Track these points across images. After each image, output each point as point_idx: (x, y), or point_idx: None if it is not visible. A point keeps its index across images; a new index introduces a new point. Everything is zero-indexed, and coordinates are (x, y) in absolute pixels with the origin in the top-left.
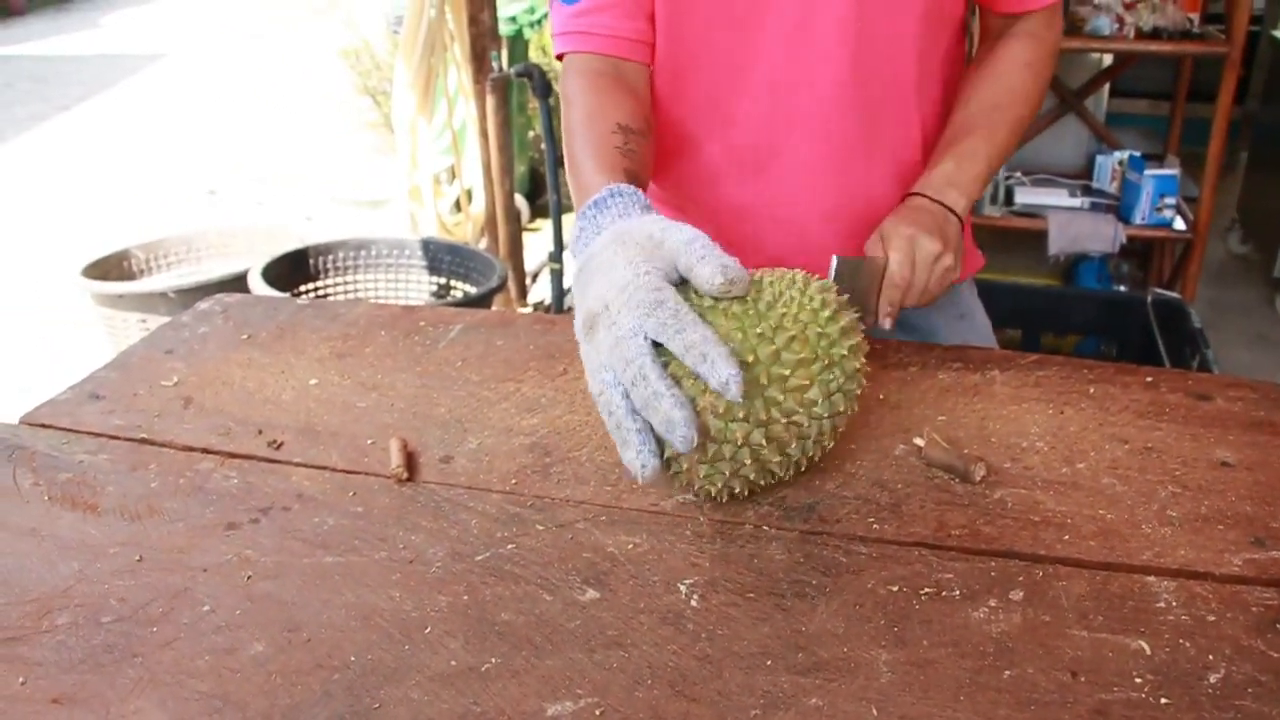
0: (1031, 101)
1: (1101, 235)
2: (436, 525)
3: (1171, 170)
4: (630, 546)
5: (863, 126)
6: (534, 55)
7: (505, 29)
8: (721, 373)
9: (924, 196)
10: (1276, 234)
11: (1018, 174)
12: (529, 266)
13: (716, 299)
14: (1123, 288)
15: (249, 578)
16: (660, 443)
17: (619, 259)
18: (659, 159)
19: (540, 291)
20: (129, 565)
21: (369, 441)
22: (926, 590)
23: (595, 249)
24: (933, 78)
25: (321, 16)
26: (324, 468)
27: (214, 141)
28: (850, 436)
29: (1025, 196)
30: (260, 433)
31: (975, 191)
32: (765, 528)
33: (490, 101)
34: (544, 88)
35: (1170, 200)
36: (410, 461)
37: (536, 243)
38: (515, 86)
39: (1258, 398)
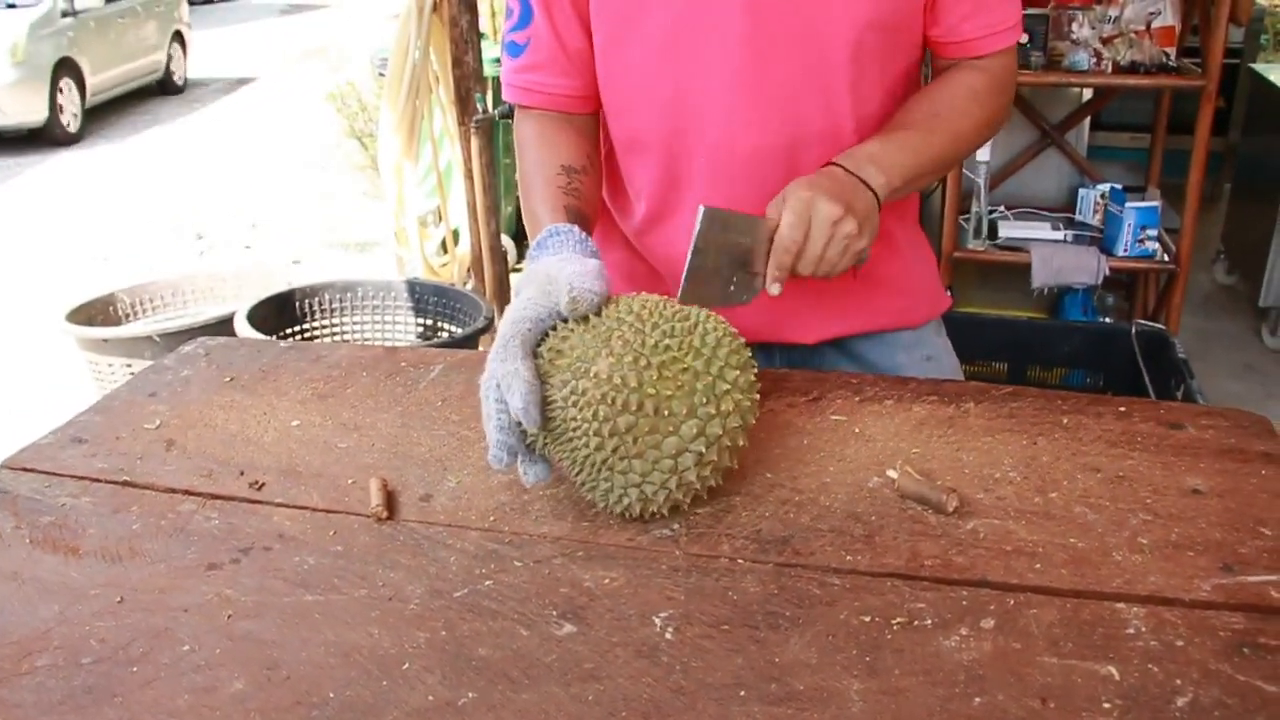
0: (975, 120)
1: (1085, 268)
2: (415, 563)
3: (1152, 202)
4: (606, 581)
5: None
6: None
7: (490, 70)
8: (515, 403)
9: (839, 166)
10: (1261, 264)
11: (1001, 208)
12: None
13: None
14: (1108, 319)
15: (229, 617)
16: (517, 443)
17: (525, 293)
18: (615, 210)
19: None
20: (110, 606)
21: (349, 481)
22: (899, 620)
23: (521, 280)
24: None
25: (308, 60)
26: (305, 508)
27: (202, 186)
28: (825, 470)
29: (1008, 230)
30: (242, 474)
31: (897, 178)
32: (740, 561)
33: (475, 143)
34: None
35: (1152, 232)
36: (390, 500)
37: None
38: (500, 127)
39: (1229, 425)
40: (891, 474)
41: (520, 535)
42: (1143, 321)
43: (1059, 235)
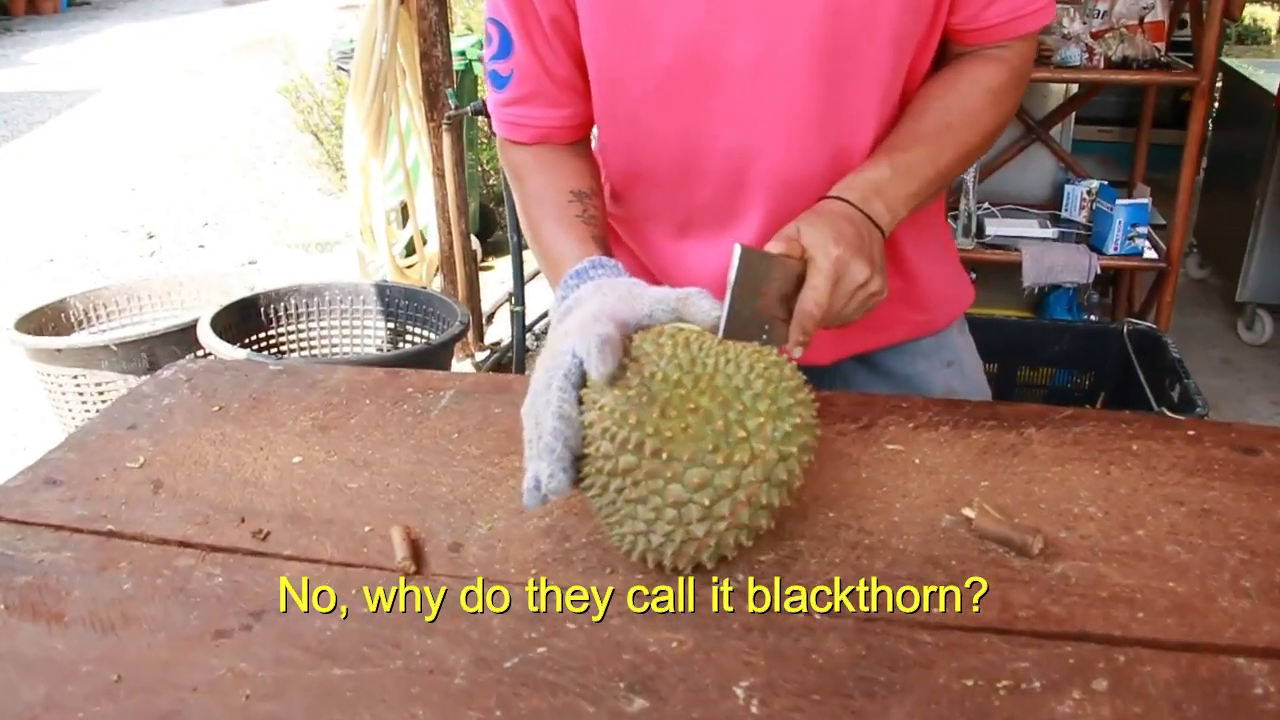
0: (986, 130)
1: (1076, 266)
2: (455, 626)
3: (1142, 199)
4: (675, 645)
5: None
6: (484, 91)
7: (455, 63)
8: (597, 369)
9: (846, 202)
10: (1236, 259)
11: (986, 204)
12: (484, 306)
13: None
14: (1093, 317)
15: (247, 697)
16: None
17: (594, 302)
18: (625, 235)
19: (497, 332)
20: (105, 687)
21: (366, 529)
22: (1004, 683)
23: (582, 294)
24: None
25: (257, 51)
26: (319, 561)
27: (150, 183)
28: (891, 508)
29: (996, 228)
30: (243, 520)
31: (903, 210)
32: (817, 616)
33: (446, 139)
34: None
35: (1142, 229)
36: (416, 551)
37: (488, 281)
38: (466, 122)
39: None
40: (967, 512)
41: (568, 591)
42: (1135, 320)
43: (1047, 233)
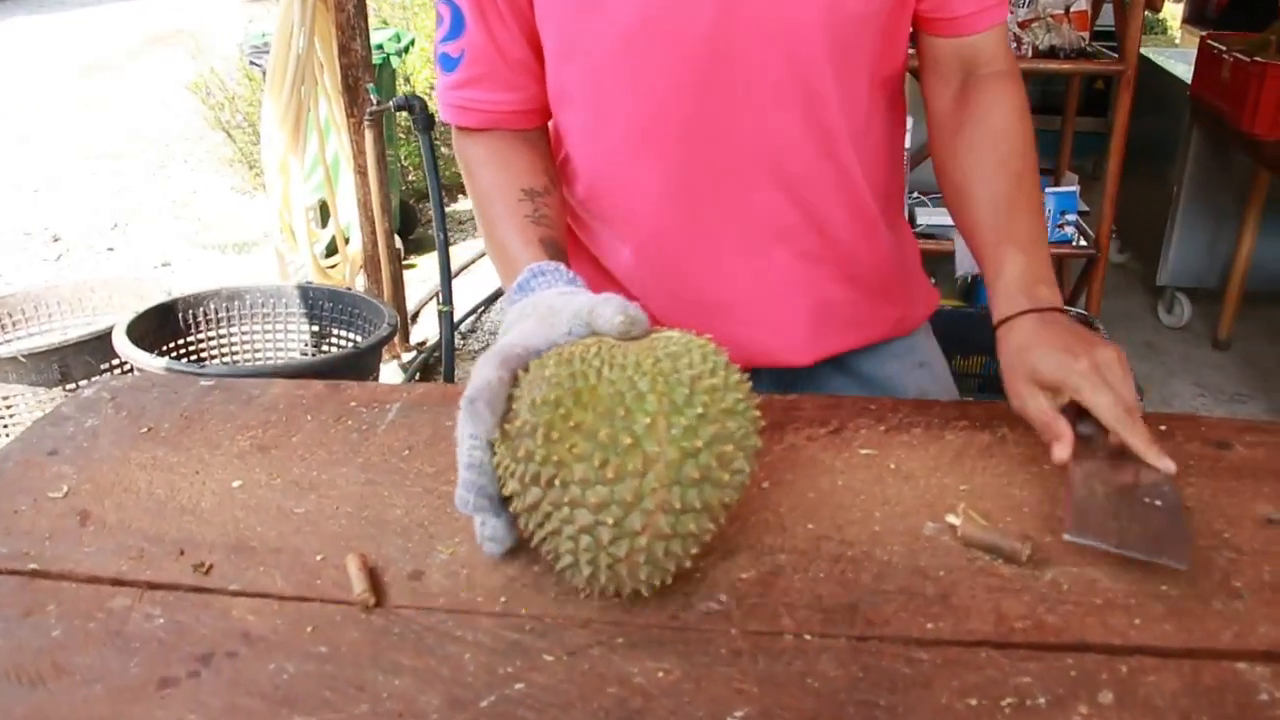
0: (1034, 144)
1: None
2: (423, 664)
3: (1071, 187)
4: (660, 674)
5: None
6: (400, 84)
7: (376, 58)
8: (468, 391)
9: (1032, 311)
10: (1155, 243)
11: (917, 194)
12: (408, 306)
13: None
14: None
15: None
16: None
17: (514, 331)
18: (586, 238)
19: (422, 331)
20: None
21: (318, 558)
22: (1008, 700)
23: (510, 318)
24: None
25: (163, 46)
26: (269, 595)
27: (54, 183)
28: (871, 517)
29: (927, 218)
30: (182, 553)
31: (1052, 277)
32: (807, 636)
33: (368, 135)
34: (425, 121)
35: (1071, 217)
36: (375, 582)
37: (411, 279)
38: (387, 117)
39: (1277, 442)
40: (951, 519)
41: (543, 619)
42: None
43: None
